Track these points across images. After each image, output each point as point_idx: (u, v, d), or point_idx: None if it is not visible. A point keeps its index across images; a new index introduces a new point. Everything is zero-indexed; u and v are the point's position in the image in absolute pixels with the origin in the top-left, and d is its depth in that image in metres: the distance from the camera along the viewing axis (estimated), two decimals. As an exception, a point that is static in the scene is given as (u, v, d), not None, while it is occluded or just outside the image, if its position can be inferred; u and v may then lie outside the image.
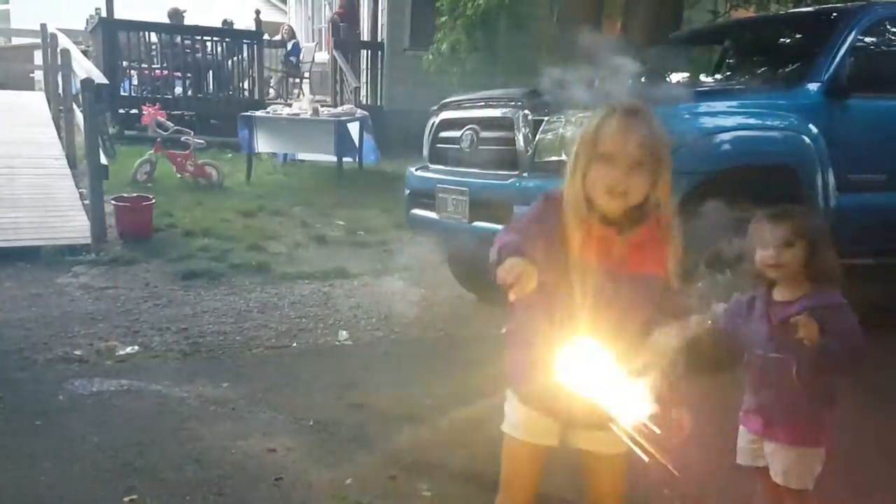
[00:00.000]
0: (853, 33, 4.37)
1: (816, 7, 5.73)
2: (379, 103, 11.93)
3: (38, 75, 14.89)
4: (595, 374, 1.53)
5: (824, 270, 2.03)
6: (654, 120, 1.66)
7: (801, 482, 2.06)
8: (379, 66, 12.11)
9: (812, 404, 2.02)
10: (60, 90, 9.59)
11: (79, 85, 7.57)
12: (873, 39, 4.52)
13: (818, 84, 4.18)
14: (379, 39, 12.22)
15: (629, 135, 1.63)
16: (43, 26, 12.27)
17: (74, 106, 8.79)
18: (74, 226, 6.38)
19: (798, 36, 4.97)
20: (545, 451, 1.87)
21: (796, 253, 2.02)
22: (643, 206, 1.68)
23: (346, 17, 12.82)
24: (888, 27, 4.64)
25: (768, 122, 4.05)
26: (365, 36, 12.74)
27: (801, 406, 2.02)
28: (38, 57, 14.00)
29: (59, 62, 9.10)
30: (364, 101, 11.41)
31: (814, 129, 4.06)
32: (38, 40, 12.97)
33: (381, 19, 12.20)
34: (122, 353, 4.03)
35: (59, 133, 9.47)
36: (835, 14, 4.78)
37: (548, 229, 1.68)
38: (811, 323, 1.92)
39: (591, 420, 1.76)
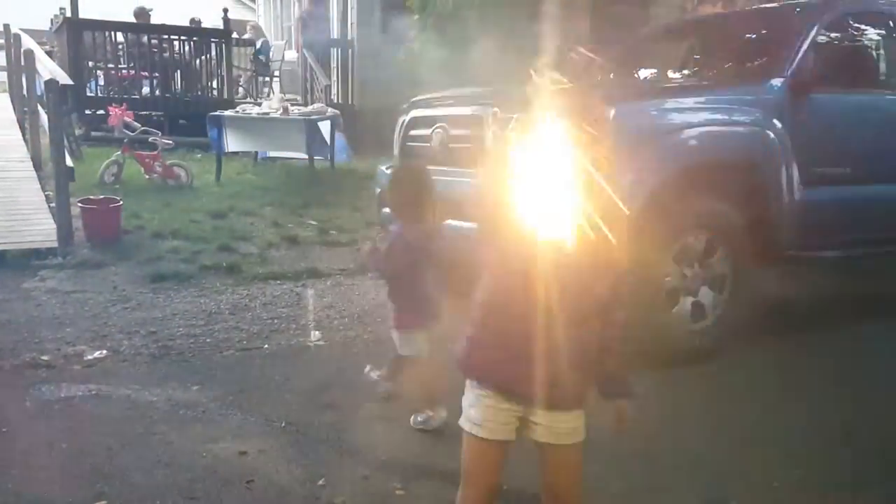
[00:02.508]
0: (815, 29, 4.44)
1: (780, 3, 5.80)
2: (350, 101, 11.89)
3: (2, 76, 14.64)
4: None
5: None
6: (581, 96, 1.72)
7: (403, 350, 3.26)
8: (349, 64, 12.06)
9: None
10: (25, 91, 9.44)
11: (43, 86, 7.47)
12: (836, 35, 4.60)
13: (781, 79, 4.24)
14: (349, 37, 12.16)
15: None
16: (6, 27, 12.09)
17: (39, 107, 8.66)
18: (40, 229, 6.28)
19: (762, 32, 5.03)
20: (503, 446, 1.90)
21: None
22: None
23: (316, 15, 12.76)
24: (850, 22, 4.73)
25: (733, 118, 4.09)
26: (335, 34, 12.67)
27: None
28: (1, 58, 13.77)
29: (23, 63, 8.97)
30: (335, 100, 11.37)
31: (777, 124, 4.12)
32: (2, 41, 12.77)
33: (351, 17, 12.14)
34: (90, 357, 3.98)
35: (23, 135, 9.32)
36: (798, 9, 4.86)
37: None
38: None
39: (550, 396, 1.79)
